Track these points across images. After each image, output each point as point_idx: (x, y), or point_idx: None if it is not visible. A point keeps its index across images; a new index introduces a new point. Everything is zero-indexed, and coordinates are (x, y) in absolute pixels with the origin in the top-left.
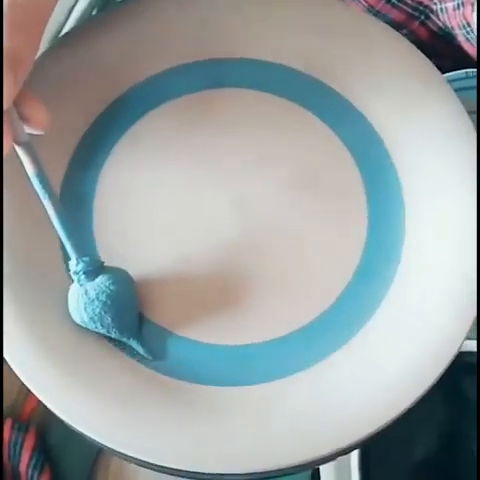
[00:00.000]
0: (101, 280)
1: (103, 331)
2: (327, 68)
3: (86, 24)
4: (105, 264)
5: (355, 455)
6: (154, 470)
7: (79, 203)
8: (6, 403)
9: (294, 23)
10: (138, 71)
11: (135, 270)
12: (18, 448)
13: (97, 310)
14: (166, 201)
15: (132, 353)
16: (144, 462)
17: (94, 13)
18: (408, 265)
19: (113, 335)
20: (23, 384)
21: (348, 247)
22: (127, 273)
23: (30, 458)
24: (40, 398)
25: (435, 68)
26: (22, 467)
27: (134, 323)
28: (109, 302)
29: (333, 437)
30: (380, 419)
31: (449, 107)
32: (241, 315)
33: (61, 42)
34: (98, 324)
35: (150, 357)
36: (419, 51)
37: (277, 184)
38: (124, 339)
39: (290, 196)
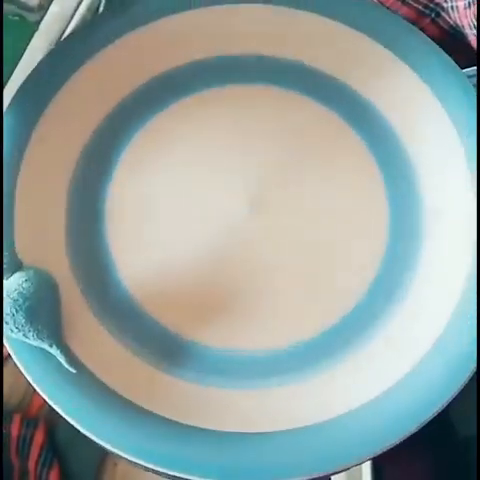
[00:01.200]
0: (15, 278)
1: (20, 336)
2: (341, 64)
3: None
4: (25, 264)
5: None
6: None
7: (91, 203)
8: (14, 399)
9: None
10: (151, 68)
11: (150, 272)
12: (27, 445)
13: (8, 308)
14: (182, 201)
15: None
16: (161, 472)
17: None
18: (429, 255)
19: (31, 340)
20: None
21: (369, 245)
22: (49, 276)
23: (39, 455)
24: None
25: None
26: (31, 464)
27: (55, 329)
28: (21, 300)
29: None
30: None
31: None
32: (265, 319)
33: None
34: (12, 325)
35: (72, 369)
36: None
37: (296, 183)
38: (44, 346)
39: (309, 195)
